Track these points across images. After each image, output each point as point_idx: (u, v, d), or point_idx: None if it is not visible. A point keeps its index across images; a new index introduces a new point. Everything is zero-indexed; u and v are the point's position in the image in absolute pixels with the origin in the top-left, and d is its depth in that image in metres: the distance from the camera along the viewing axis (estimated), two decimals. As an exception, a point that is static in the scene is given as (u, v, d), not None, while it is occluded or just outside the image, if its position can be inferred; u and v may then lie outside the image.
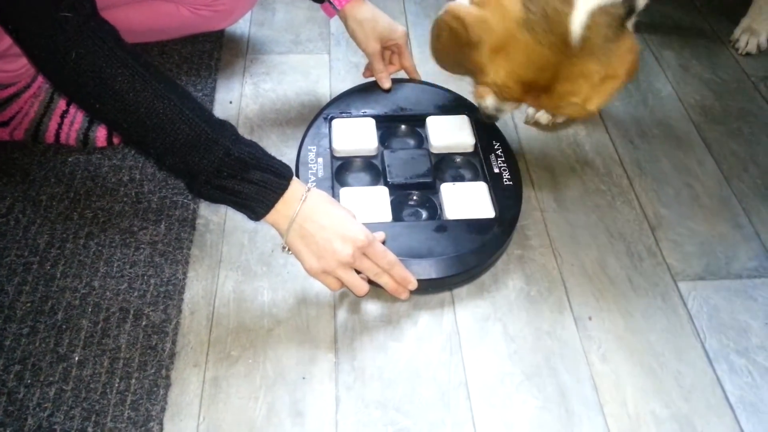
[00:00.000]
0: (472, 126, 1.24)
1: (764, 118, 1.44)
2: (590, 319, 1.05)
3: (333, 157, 1.19)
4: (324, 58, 1.52)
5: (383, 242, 1.03)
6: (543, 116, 1.36)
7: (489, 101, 1.10)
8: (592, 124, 1.39)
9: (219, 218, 1.17)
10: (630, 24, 1.02)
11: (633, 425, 0.93)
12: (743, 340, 1.04)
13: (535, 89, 1.02)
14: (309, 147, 1.20)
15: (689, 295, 1.09)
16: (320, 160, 1.18)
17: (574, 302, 1.07)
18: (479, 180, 1.17)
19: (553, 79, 1.00)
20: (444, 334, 1.02)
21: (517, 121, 1.30)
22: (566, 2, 0.95)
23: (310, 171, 1.16)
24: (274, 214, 0.96)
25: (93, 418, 0.90)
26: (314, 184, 1.13)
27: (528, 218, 1.19)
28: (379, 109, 1.27)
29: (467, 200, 1.12)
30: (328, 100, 1.41)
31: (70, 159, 1.23)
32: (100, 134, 1.24)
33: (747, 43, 1.59)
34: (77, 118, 1.24)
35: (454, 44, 1.04)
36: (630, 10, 1.00)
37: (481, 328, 1.03)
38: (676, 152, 1.35)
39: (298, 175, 1.15)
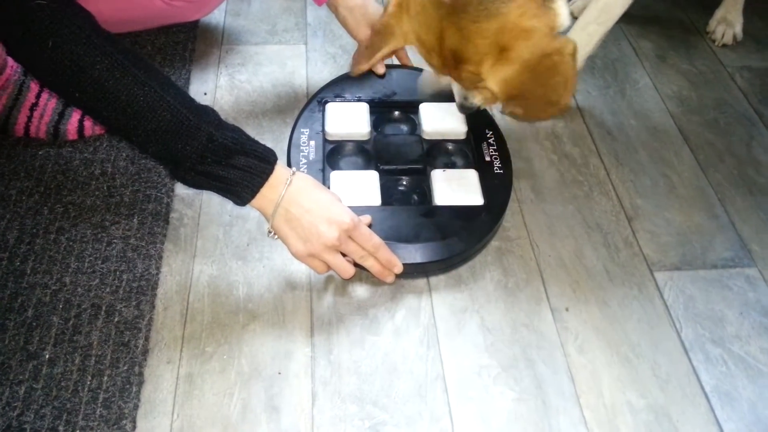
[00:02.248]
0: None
1: (740, 108, 1.44)
2: (567, 310, 1.05)
3: (325, 141, 1.19)
4: (300, 48, 1.50)
5: (370, 226, 1.03)
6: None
7: (454, 87, 1.10)
8: (569, 115, 1.39)
9: (193, 212, 1.15)
10: (558, 4, 0.96)
11: (609, 416, 0.94)
12: (719, 330, 1.05)
13: (436, 53, 1.00)
14: (302, 130, 1.20)
15: (665, 285, 1.10)
16: (312, 143, 1.18)
17: (551, 293, 1.07)
18: (470, 167, 1.17)
19: (442, 40, 0.97)
20: (421, 327, 1.02)
21: (494, 111, 1.29)
22: None
23: (301, 153, 1.16)
24: (259, 199, 0.96)
25: (64, 417, 0.88)
26: (305, 166, 1.14)
27: (506, 209, 1.19)
28: (373, 95, 1.27)
29: (457, 187, 1.12)
30: (305, 91, 1.40)
31: (40, 152, 1.21)
32: (71, 127, 1.22)
33: (723, 35, 1.60)
34: (47, 110, 1.22)
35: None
36: None
37: (459, 321, 1.03)
38: (653, 143, 1.35)
39: (289, 158, 1.15)
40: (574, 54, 0.95)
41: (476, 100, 1.06)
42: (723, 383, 0.98)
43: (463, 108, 1.12)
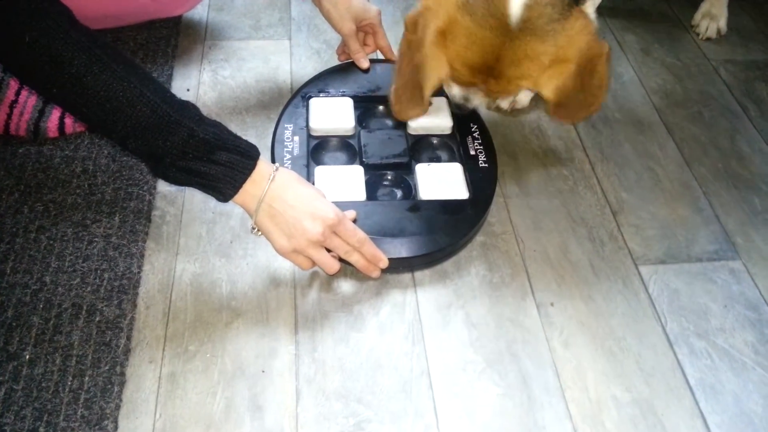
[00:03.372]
0: (450, 108, 1.23)
1: (724, 101, 1.45)
2: (552, 304, 1.05)
3: (309, 136, 1.18)
4: (285, 44, 1.49)
5: (354, 221, 1.03)
6: (523, 98, 1.35)
7: (455, 89, 1.08)
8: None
9: (176, 209, 1.14)
10: (589, 7, 1.01)
11: (594, 410, 0.94)
12: (703, 323, 1.05)
13: (483, 73, 0.99)
14: (286, 125, 1.19)
15: (650, 279, 1.10)
16: (296, 138, 1.17)
17: (536, 288, 1.07)
18: (455, 161, 1.17)
19: (498, 62, 0.97)
20: (406, 323, 1.01)
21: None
22: None
23: (285, 149, 1.15)
24: (242, 195, 0.95)
25: (45, 418, 0.87)
26: (290, 162, 1.13)
27: (491, 204, 1.18)
28: (357, 89, 1.27)
29: (441, 181, 1.12)
30: (289, 87, 1.39)
31: (20, 150, 1.19)
32: (51, 125, 1.20)
33: (707, 29, 1.60)
34: (27, 108, 1.20)
35: (409, 56, 1.03)
36: None
37: (444, 317, 1.03)
38: (637, 136, 1.35)
39: (273, 153, 1.14)
40: (609, 57, 0.99)
41: (476, 101, 1.09)
42: (707, 376, 0.98)
43: (460, 108, 1.12)
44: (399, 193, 1.14)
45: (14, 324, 0.96)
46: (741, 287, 1.10)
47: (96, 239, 1.07)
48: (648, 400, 0.95)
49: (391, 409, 0.92)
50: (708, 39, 1.60)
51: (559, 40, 0.95)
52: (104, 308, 0.99)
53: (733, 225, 1.19)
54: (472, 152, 1.18)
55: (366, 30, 1.30)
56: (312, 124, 1.19)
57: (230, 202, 0.96)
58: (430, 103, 1.18)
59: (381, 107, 1.26)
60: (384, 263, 1.02)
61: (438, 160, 1.19)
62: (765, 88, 1.48)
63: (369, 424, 0.90)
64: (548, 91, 0.99)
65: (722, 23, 1.61)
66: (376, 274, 1.03)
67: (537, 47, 0.95)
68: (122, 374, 0.92)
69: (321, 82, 1.28)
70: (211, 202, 1.13)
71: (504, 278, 1.08)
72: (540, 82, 0.98)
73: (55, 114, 1.21)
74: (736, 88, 1.48)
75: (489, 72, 0.99)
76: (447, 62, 1.00)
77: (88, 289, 1.01)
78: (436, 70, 1.01)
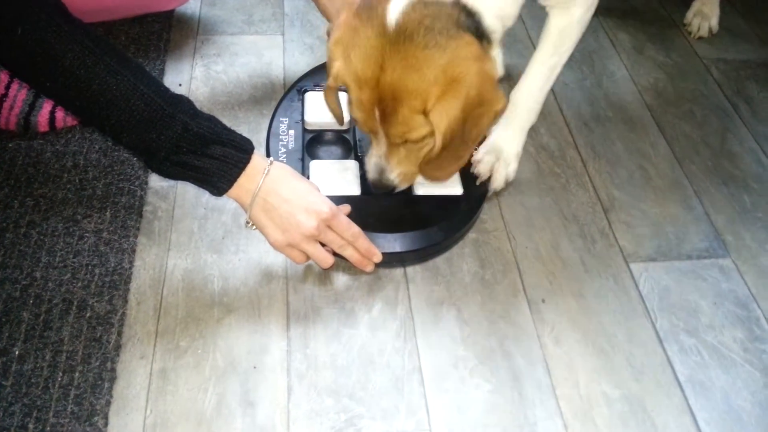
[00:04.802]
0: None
1: (716, 100, 1.45)
2: (543, 301, 1.05)
3: (304, 130, 1.18)
4: (278, 39, 1.49)
5: (349, 215, 1.02)
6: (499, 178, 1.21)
7: (372, 161, 1.02)
8: (546, 107, 1.38)
9: (167, 205, 1.13)
10: (493, 49, 0.94)
11: (585, 406, 0.94)
12: (693, 320, 1.05)
13: (373, 89, 0.91)
14: (281, 119, 1.19)
15: (641, 276, 1.10)
16: (291, 132, 1.17)
17: (527, 285, 1.08)
18: None
19: (384, 72, 0.89)
20: (398, 319, 1.01)
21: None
22: None
23: (280, 143, 1.15)
24: (236, 189, 0.95)
25: (34, 414, 0.87)
26: (285, 156, 1.13)
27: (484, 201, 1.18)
28: None
29: None
30: (282, 82, 1.38)
31: (10, 145, 1.18)
32: (42, 119, 1.19)
33: (699, 27, 1.61)
34: (17, 102, 1.19)
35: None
36: (478, 32, 0.92)
37: (436, 313, 1.03)
38: (629, 134, 1.35)
39: (268, 147, 1.14)
40: (500, 113, 0.95)
41: (394, 174, 1.01)
42: (697, 373, 0.99)
43: (378, 185, 1.04)
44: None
45: (3, 319, 0.95)
46: (730, 285, 1.11)
47: (87, 234, 1.06)
48: (638, 397, 0.95)
49: (382, 405, 0.92)
50: (700, 38, 1.61)
51: (442, 55, 0.88)
52: (95, 304, 0.98)
53: (723, 223, 1.20)
54: None
55: None
56: (307, 118, 1.19)
57: (224, 196, 0.96)
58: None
59: None
60: (378, 258, 1.02)
61: None
62: (756, 87, 1.49)
63: (360, 420, 0.90)
64: (439, 118, 0.90)
65: (714, 22, 1.62)
66: (369, 268, 1.03)
67: (417, 53, 0.88)
68: (113, 370, 0.92)
69: (316, 76, 1.27)
70: (204, 197, 1.13)
71: (496, 275, 1.08)
72: (429, 104, 0.90)
73: (45, 108, 1.20)
74: (728, 87, 1.49)
75: (376, 85, 0.90)
76: (339, 72, 0.94)
77: (79, 284, 1.00)
78: (330, 80, 0.97)
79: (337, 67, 0.94)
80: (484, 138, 1.15)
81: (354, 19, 0.92)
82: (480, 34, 0.92)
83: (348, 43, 0.92)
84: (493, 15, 0.94)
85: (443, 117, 0.90)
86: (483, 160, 1.16)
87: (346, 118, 1.11)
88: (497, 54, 0.96)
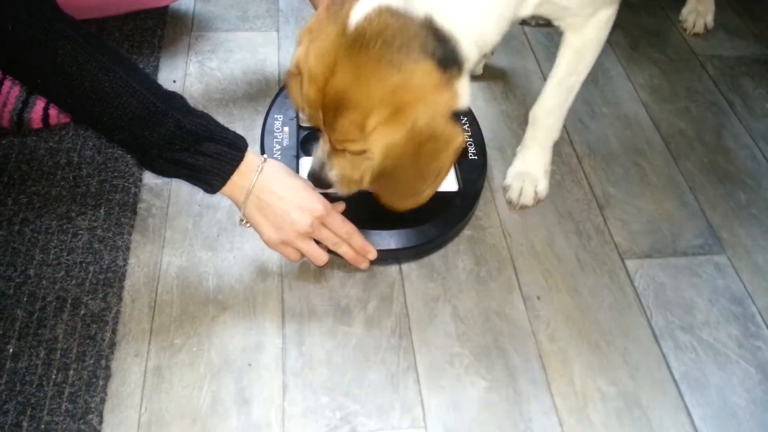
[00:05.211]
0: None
1: (711, 96, 1.45)
2: (539, 298, 1.05)
3: (299, 127, 1.18)
4: (272, 35, 1.48)
5: (343, 212, 1.02)
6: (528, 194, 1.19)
7: (317, 150, 0.97)
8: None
9: (162, 202, 1.13)
10: (460, 80, 0.86)
11: (580, 403, 0.94)
12: (688, 317, 1.05)
13: (319, 87, 0.86)
14: (275, 115, 1.19)
15: (636, 273, 1.10)
16: (286, 129, 1.17)
17: (523, 282, 1.07)
18: None
19: (333, 75, 0.84)
20: (393, 316, 1.01)
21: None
22: None
23: (275, 140, 1.15)
24: (230, 186, 0.94)
25: (28, 412, 0.86)
26: (279, 153, 1.12)
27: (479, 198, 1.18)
28: None
29: None
30: (277, 78, 1.38)
31: (3, 142, 1.18)
32: (35, 115, 1.19)
33: (694, 24, 1.61)
34: (10, 98, 1.19)
35: None
36: (450, 58, 0.84)
37: (431, 310, 1.03)
38: (624, 131, 1.35)
39: (263, 144, 1.14)
40: (458, 149, 0.88)
41: (332, 175, 0.96)
42: (692, 369, 0.99)
43: (316, 179, 0.98)
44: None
45: (-3, 317, 0.95)
46: (726, 281, 1.11)
47: (81, 232, 1.06)
48: (633, 394, 0.96)
49: (377, 402, 0.92)
50: (695, 34, 1.61)
51: (394, 76, 0.81)
52: (89, 301, 0.98)
53: (718, 219, 1.20)
54: None
55: None
56: (302, 115, 1.18)
57: (218, 193, 0.95)
58: None
59: None
60: (372, 255, 1.02)
61: None
62: (751, 84, 1.49)
63: (356, 418, 0.90)
64: (376, 145, 0.86)
65: (709, 19, 1.61)
66: (364, 265, 1.03)
67: (367, 66, 0.82)
68: (107, 368, 0.91)
69: None
70: (198, 195, 1.13)
71: (491, 272, 1.08)
72: (368, 124, 0.84)
73: (39, 105, 1.19)
74: (723, 84, 1.49)
75: (325, 85, 0.85)
76: (298, 58, 0.89)
77: (73, 282, 1.00)
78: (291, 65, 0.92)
79: (297, 53, 0.89)
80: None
81: (325, 12, 0.87)
82: (449, 60, 0.84)
83: (313, 33, 0.87)
84: (471, 41, 0.86)
85: (380, 141, 0.85)
86: (512, 186, 1.18)
87: None
88: (463, 84, 0.87)
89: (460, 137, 0.87)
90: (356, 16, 0.83)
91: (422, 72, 0.82)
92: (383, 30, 0.81)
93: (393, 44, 0.81)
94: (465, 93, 0.88)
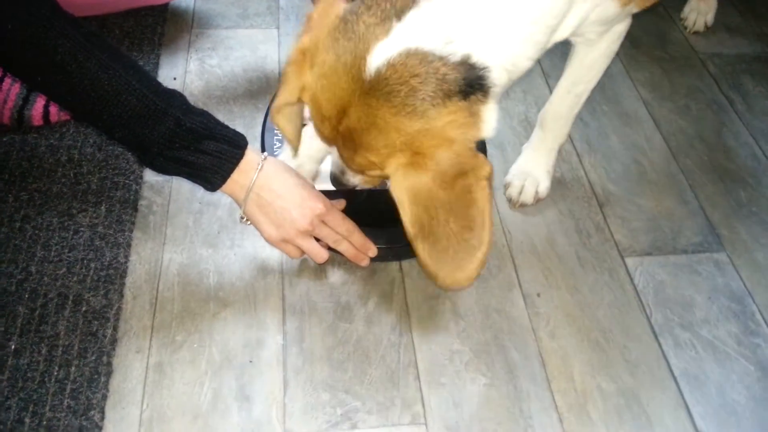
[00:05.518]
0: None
1: (711, 94, 1.46)
2: (539, 295, 1.06)
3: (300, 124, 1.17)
4: (273, 32, 1.48)
5: (343, 210, 1.02)
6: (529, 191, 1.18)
7: (334, 157, 0.92)
8: (542, 100, 1.38)
9: (163, 199, 1.13)
10: (485, 104, 0.80)
11: (580, 400, 0.94)
12: (688, 315, 1.06)
13: (332, 125, 0.82)
14: None
15: (636, 270, 1.11)
16: None
17: (523, 279, 1.08)
18: None
19: (346, 116, 0.79)
20: (394, 313, 1.02)
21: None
22: (383, 24, 0.76)
23: (276, 137, 1.15)
24: (230, 184, 0.95)
25: (30, 408, 0.87)
26: (280, 150, 1.12)
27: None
28: None
29: None
30: (277, 76, 1.38)
31: (4, 139, 1.18)
32: (36, 113, 1.19)
33: (695, 22, 1.61)
34: (10, 96, 1.19)
35: None
36: (476, 82, 0.78)
37: (431, 307, 1.03)
38: (624, 129, 1.36)
39: (263, 141, 1.13)
40: (489, 178, 0.81)
41: (356, 179, 0.93)
42: (691, 367, 0.99)
43: (338, 182, 0.95)
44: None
45: (-1, 314, 0.95)
46: (725, 279, 1.11)
47: (82, 229, 1.06)
48: (633, 391, 0.96)
49: (378, 399, 0.92)
50: (696, 32, 1.61)
51: (416, 123, 0.76)
52: (91, 298, 0.98)
53: (718, 217, 1.20)
54: None
55: None
56: (304, 111, 1.18)
57: (218, 191, 0.96)
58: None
59: None
60: (373, 252, 1.02)
61: None
62: (752, 82, 1.49)
63: (356, 414, 0.90)
64: (399, 189, 0.80)
65: (710, 17, 1.61)
66: (365, 262, 1.03)
67: (386, 116, 0.76)
68: (109, 364, 0.92)
69: None
70: (199, 192, 1.13)
71: (491, 269, 1.09)
72: (388, 168, 0.80)
73: (39, 102, 1.19)
74: (724, 82, 1.49)
75: (334, 126, 0.82)
76: (297, 89, 0.84)
77: (75, 278, 1.00)
78: (285, 94, 0.85)
79: (304, 83, 0.82)
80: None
81: (334, 32, 0.79)
82: (475, 88, 0.78)
83: (318, 63, 0.80)
84: (502, 68, 0.81)
85: (406, 189, 0.80)
86: (512, 183, 1.17)
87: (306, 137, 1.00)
88: (490, 110, 0.81)
89: (487, 166, 0.80)
90: (377, 60, 0.75)
91: (446, 116, 0.77)
92: (410, 78, 0.75)
93: (419, 92, 0.76)
94: (491, 119, 0.81)
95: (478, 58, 0.78)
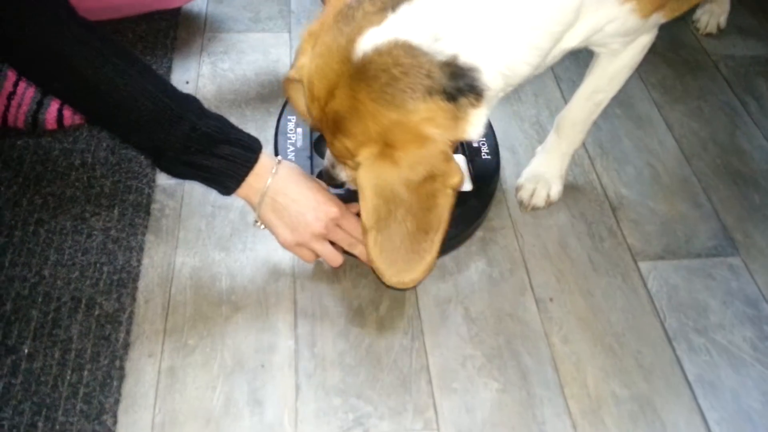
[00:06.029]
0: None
1: (724, 97, 1.45)
2: (551, 300, 1.05)
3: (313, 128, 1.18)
4: (284, 36, 1.49)
5: (358, 214, 1.02)
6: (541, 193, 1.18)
7: (327, 155, 0.97)
8: (554, 103, 1.38)
9: (175, 203, 1.13)
10: (476, 108, 0.81)
11: (593, 406, 0.94)
12: (702, 319, 1.05)
13: (319, 105, 0.84)
14: (288, 117, 1.19)
15: (649, 274, 1.10)
16: (299, 130, 1.17)
17: (535, 283, 1.07)
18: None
19: (331, 97, 0.82)
20: (406, 318, 1.01)
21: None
22: (379, 13, 0.79)
23: (288, 141, 1.15)
24: (245, 188, 0.95)
25: (43, 413, 0.87)
26: (293, 154, 1.13)
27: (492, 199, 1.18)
28: None
29: None
30: (288, 80, 1.38)
31: (18, 143, 1.19)
32: (50, 116, 1.20)
33: (707, 24, 1.60)
34: (25, 99, 1.20)
35: None
36: (465, 85, 0.79)
37: (443, 312, 1.03)
38: (637, 131, 1.35)
39: (276, 145, 1.14)
40: (455, 189, 0.82)
41: (343, 175, 0.96)
42: (706, 372, 0.99)
43: (328, 176, 0.99)
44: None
45: (13, 318, 0.96)
46: (740, 283, 1.10)
47: (95, 232, 1.07)
48: (647, 396, 0.95)
49: (390, 404, 0.92)
50: (708, 34, 1.60)
51: (393, 113, 0.78)
52: (103, 302, 0.98)
53: (732, 221, 1.19)
54: (475, 144, 1.17)
55: None
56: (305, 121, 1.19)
57: (232, 195, 0.96)
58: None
59: None
60: None
61: None
62: (765, 84, 1.48)
63: (368, 420, 0.90)
64: (365, 178, 0.82)
65: (722, 19, 1.60)
66: None
67: (366, 101, 0.79)
68: (121, 368, 0.92)
69: None
70: (211, 195, 1.13)
71: (503, 273, 1.08)
72: (360, 156, 0.82)
73: (53, 106, 1.20)
74: (736, 84, 1.48)
75: (322, 108, 0.84)
76: (299, 68, 0.87)
77: (87, 282, 1.00)
78: (292, 71, 0.90)
79: (299, 60, 0.87)
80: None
81: (332, 16, 0.83)
82: (463, 90, 0.79)
83: (317, 41, 0.84)
84: (496, 71, 0.81)
85: (371, 179, 0.81)
86: (524, 186, 1.17)
87: None
88: (478, 114, 0.82)
89: (457, 175, 0.82)
90: (365, 45, 0.78)
91: (423, 111, 0.78)
92: (392, 67, 0.78)
93: (399, 82, 0.78)
94: (478, 123, 0.82)
95: (466, 60, 0.79)
